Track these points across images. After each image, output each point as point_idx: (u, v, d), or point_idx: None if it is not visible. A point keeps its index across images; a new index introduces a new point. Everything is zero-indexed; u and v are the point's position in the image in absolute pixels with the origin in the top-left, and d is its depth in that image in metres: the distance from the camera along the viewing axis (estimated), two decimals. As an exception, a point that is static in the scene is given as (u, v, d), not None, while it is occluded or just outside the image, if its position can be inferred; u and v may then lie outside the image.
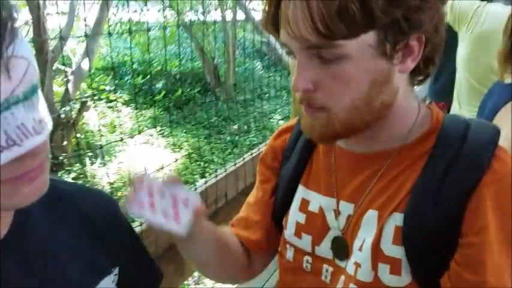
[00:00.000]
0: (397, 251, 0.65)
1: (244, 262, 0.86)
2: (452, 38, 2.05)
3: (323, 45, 0.59)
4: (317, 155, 0.79)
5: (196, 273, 2.84)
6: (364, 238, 0.69)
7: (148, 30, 1.34)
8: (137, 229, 1.17)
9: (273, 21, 0.64)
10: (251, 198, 0.89)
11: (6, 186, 0.46)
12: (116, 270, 0.69)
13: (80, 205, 0.67)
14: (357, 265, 0.69)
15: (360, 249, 0.69)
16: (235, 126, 6.09)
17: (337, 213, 0.73)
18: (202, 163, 4.69)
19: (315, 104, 0.64)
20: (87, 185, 0.76)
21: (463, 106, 2.10)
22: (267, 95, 7.53)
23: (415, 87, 0.72)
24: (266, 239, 0.85)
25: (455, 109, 2.16)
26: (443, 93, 2.38)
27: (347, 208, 0.72)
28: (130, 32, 1.15)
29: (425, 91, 2.65)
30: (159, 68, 7.40)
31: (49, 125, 0.48)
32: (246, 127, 5.90)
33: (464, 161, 0.63)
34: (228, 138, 5.83)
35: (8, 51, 0.42)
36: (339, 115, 0.64)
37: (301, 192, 0.79)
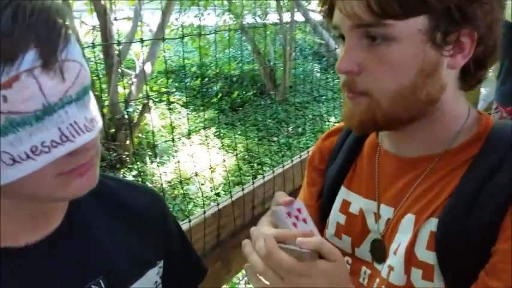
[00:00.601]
0: (429, 256, 0.64)
1: None
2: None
3: (373, 24, 0.59)
4: (361, 158, 0.79)
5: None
6: (400, 242, 0.68)
7: (200, 35, 1.39)
8: (186, 226, 1.21)
9: (329, 4, 0.66)
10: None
11: (59, 179, 0.50)
12: (161, 263, 0.71)
13: (126, 200, 0.70)
14: (390, 268, 0.68)
15: (395, 252, 0.68)
16: (290, 129, 6.08)
17: (378, 216, 0.73)
18: (255, 165, 4.74)
19: (358, 88, 0.63)
20: (133, 181, 0.80)
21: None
22: (323, 97, 7.43)
23: (483, 90, 0.70)
24: None
25: (522, 114, 2.02)
26: (511, 97, 2.23)
27: (387, 212, 0.71)
28: (183, 37, 1.20)
29: (492, 95, 2.51)
30: (216, 70, 7.57)
31: (99, 123, 0.52)
32: (300, 129, 5.87)
33: (509, 168, 0.60)
34: (282, 140, 5.83)
35: (62, 55, 0.46)
36: (382, 102, 0.62)
37: (342, 193, 0.79)
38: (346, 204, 0.78)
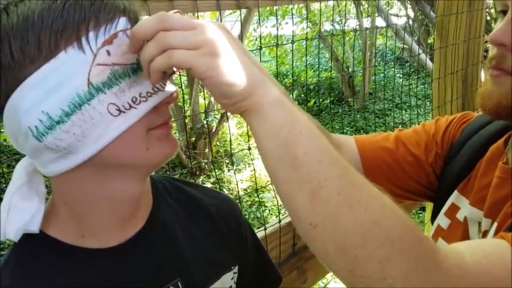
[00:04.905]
0: None
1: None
2: None
3: None
4: (481, 163, 0.72)
5: (321, 282, 2.79)
6: None
7: (278, 45, 1.40)
8: (261, 234, 1.20)
9: None
10: (408, 141, 0.86)
11: (148, 138, 0.53)
12: (236, 269, 0.71)
13: (205, 205, 0.71)
14: None
15: None
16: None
17: (480, 227, 0.67)
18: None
19: (505, 65, 0.57)
20: (210, 188, 0.81)
21: None
22: (406, 104, 7.08)
23: None
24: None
25: None
26: None
27: (485, 223, 0.66)
28: (261, 48, 1.22)
29: None
30: (293, 79, 7.57)
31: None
32: (381, 138, 5.66)
33: None
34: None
35: None
36: None
37: (454, 197, 0.74)
38: (454, 208, 0.73)
